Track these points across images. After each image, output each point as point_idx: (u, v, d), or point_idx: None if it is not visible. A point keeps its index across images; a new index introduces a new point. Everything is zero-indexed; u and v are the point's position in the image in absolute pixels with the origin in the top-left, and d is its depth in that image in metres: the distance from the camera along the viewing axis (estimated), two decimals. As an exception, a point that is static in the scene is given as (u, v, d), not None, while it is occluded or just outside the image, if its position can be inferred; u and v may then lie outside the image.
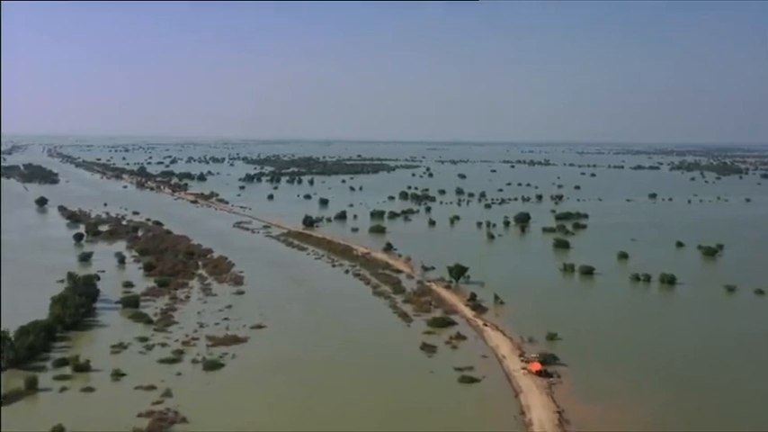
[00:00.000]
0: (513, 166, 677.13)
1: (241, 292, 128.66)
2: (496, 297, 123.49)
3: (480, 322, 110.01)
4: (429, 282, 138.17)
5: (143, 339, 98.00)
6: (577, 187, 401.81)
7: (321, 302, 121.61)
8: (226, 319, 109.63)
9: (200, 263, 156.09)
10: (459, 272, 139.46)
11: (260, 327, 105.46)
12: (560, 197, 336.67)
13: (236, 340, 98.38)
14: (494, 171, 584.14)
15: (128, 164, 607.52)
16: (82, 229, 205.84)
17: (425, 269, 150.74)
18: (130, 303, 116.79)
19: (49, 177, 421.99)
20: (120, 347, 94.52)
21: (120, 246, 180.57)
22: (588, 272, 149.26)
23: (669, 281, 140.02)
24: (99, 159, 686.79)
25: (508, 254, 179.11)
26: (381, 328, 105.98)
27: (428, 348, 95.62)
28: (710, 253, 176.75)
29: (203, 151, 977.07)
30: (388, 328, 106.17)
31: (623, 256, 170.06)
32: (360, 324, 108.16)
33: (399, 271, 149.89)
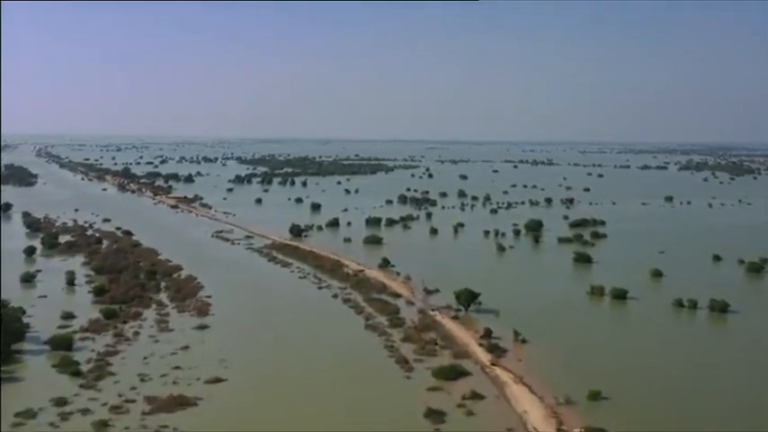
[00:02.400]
0: (515, 167, 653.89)
1: (204, 327, 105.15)
2: (517, 334, 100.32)
3: (499, 371, 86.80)
4: (433, 310, 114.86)
5: (61, 402, 74.40)
6: (587, 189, 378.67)
7: (298, 343, 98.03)
8: (177, 368, 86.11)
9: (162, 284, 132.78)
10: (468, 298, 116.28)
11: (218, 381, 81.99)
12: (571, 200, 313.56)
13: (182, 403, 74.83)
14: (496, 171, 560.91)
15: (116, 164, 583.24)
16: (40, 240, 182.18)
17: (428, 292, 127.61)
18: (61, 344, 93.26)
19: (25, 179, 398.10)
20: (26, 417, 70.85)
21: (78, 261, 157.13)
22: (621, 296, 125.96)
23: (721, 308, 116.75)
24: (87, 159, 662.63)
25: (523, 271, 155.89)
26: (374, 384, 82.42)
27: (435, 416, 72.19)
28: (755, 269, 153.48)
29: (198, 150, 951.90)
30: (382, 383, 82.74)
31: (656, 273, 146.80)
32: (347, 378, 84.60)
33: (397, 295, 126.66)
